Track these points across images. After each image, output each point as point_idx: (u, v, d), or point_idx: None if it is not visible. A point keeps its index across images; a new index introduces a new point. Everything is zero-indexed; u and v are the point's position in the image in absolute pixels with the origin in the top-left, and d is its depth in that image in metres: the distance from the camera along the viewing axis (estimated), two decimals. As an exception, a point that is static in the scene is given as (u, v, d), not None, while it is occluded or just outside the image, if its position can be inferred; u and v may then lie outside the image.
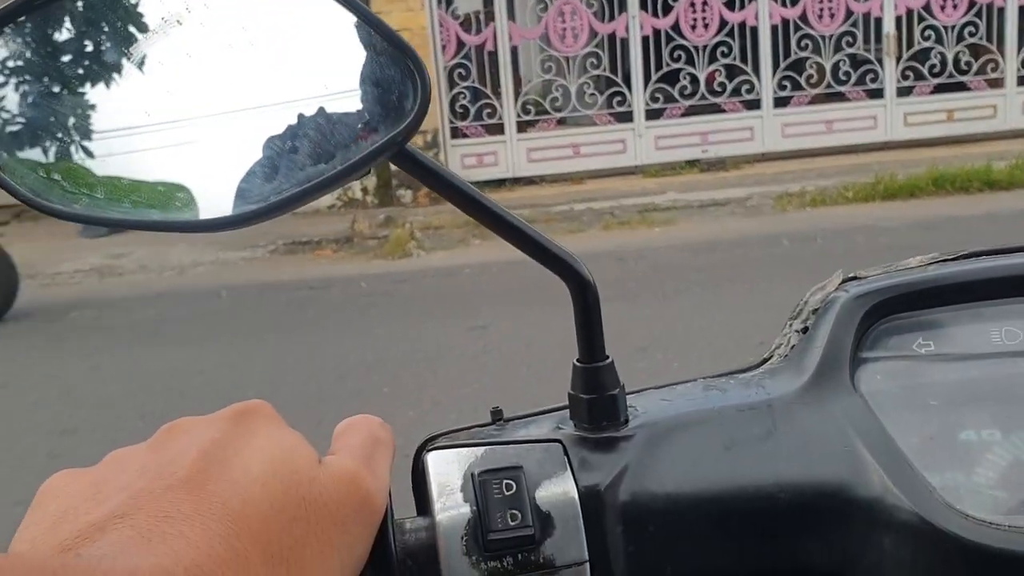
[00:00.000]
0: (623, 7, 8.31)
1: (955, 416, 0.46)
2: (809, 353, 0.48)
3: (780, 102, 8.55)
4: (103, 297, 6.05)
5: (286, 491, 0.35)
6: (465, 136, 8.50)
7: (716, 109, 8.51)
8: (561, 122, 8.56)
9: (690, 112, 8.49)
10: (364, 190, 8.46)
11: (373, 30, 0.41)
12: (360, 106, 0.42)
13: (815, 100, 8.56)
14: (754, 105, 8.53)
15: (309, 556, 0.35)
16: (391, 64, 0.41)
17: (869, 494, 0.43)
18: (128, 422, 3.35)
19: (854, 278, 0.51)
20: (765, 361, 0.51)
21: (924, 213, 6.51)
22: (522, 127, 8.51)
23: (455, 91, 8.37)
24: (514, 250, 0.46)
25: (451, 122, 8.44)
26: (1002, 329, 0.49)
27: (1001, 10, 8.39)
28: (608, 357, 0.47)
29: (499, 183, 8.42)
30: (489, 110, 8.42)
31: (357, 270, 6.33)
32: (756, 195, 7.38)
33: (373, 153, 0.40)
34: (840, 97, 8.58)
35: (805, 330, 0.50)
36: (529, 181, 8.52)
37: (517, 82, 8.55)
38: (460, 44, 8.29)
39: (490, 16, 8.33)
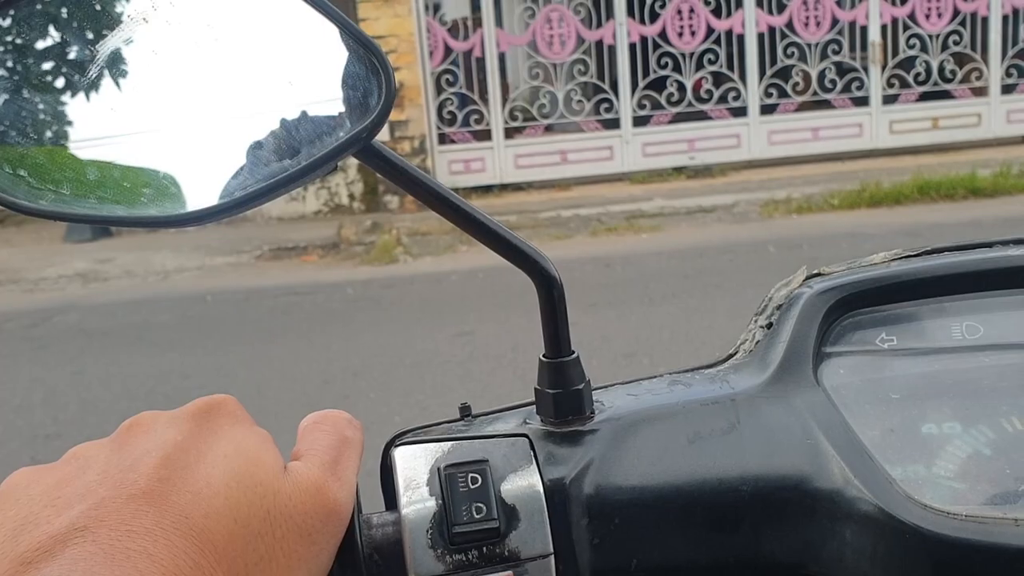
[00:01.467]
0: (610, 14, 8.34)
1: (916, 409, 0.47)
2: (773, 348, 0.48)
3: (767, 109, 8.59)
4: (87, 302, 6.02)
5: (250, 505, 0.35)
6: (452, 142, 8.50)
7: (703, 116, 8.55)
8: (548, 128, 8.58)
9: (677, 119, 8.53)
10: (351, 196, 8.45)
11: (338, 27, 0.41)
12: (325, 103, 0.42)
13: (801, 107, 8.61)
14: (740, 112, 8.57)
15: (275, 570, 0.35)
16: (356, 61, 0.41)
17: (831, 486, 0.43)
18: (111, 426, 3.31)
19: (818, 274, 0.52)
20: (730, 357, 0.51)
21: (909, 220, 6.56)
22: (509, 133, 8.53)
23: (443, 97, 8.37)
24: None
25: (438, 128, 8.45)
26: (963, 324, 0.49)
27: (985, 19, 8.47)
28: (574, 352, 0.47)
29: (486, 189, 8.43)
30: (476, 116, 8.43)
31: (343, 276, 6.31)
32: (743, 202, 7.41)
33: (338, 149, 0.40)
34: (826, 105, 8.64)
35: (769, 326, 0.50)
36: (516, 187, 8.53)
37: (505, 88, 8.56)
38: (448, 50, 8.29)
39: (478, 22, 8.34)
